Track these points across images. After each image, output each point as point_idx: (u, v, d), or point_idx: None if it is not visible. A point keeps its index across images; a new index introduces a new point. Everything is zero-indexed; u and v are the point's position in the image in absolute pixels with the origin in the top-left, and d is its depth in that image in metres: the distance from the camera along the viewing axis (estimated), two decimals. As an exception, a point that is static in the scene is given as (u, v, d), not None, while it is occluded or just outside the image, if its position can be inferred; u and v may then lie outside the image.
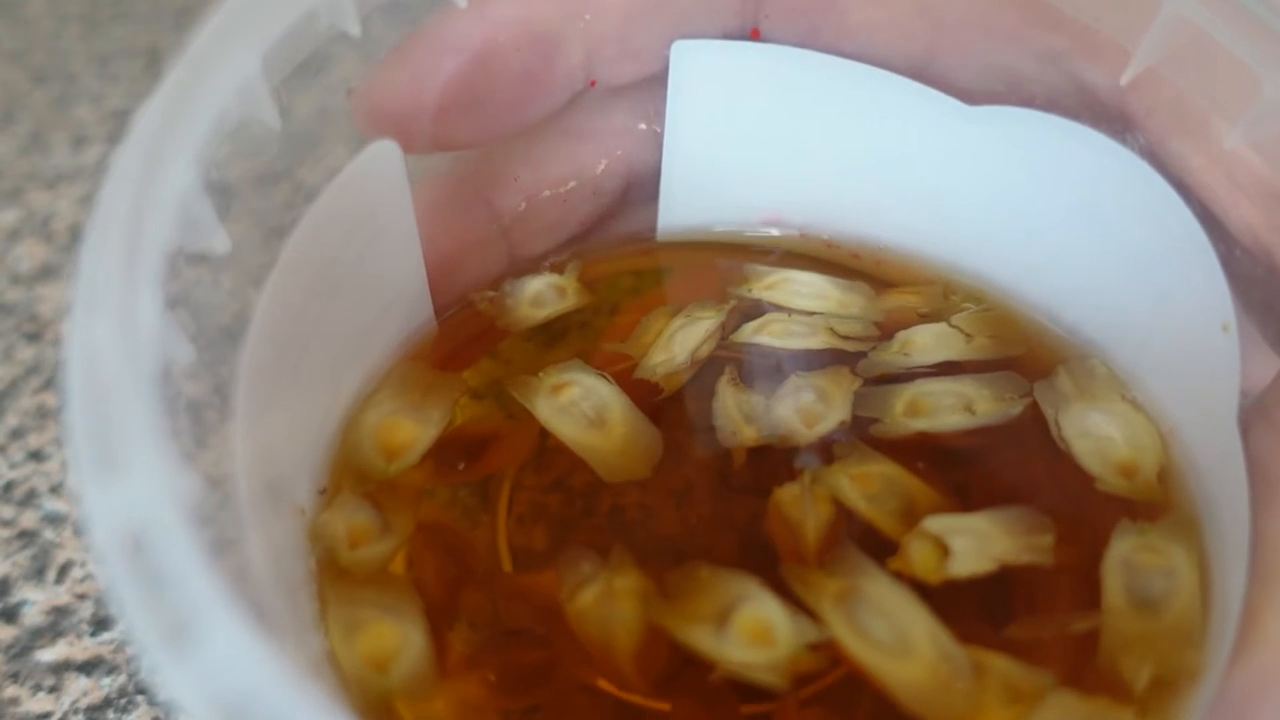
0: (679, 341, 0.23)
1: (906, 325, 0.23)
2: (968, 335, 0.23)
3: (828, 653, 0.18)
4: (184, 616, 0.11)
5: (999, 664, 0.17)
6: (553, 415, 0.21)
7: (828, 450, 0.21)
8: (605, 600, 0.18)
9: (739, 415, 0.21)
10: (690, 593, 0.18)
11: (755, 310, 0.24)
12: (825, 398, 0.22)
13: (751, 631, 0.18)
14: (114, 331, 0.13)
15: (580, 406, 0.21)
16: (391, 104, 0.21)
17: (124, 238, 0.14)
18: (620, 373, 0.22)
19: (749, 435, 0.21)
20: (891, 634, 0.18)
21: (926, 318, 0.23)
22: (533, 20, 0.21)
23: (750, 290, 0.24)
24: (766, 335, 0.23)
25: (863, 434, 0.21)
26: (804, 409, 0.21)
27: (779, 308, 0.24)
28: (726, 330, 0.23)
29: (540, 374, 0.22)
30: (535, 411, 0.21)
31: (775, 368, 0.22)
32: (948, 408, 0.21)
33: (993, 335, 0.23)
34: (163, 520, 0.12)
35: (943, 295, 0.24)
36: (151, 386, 0.13)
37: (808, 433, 0.21)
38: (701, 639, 0.18)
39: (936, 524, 0.19)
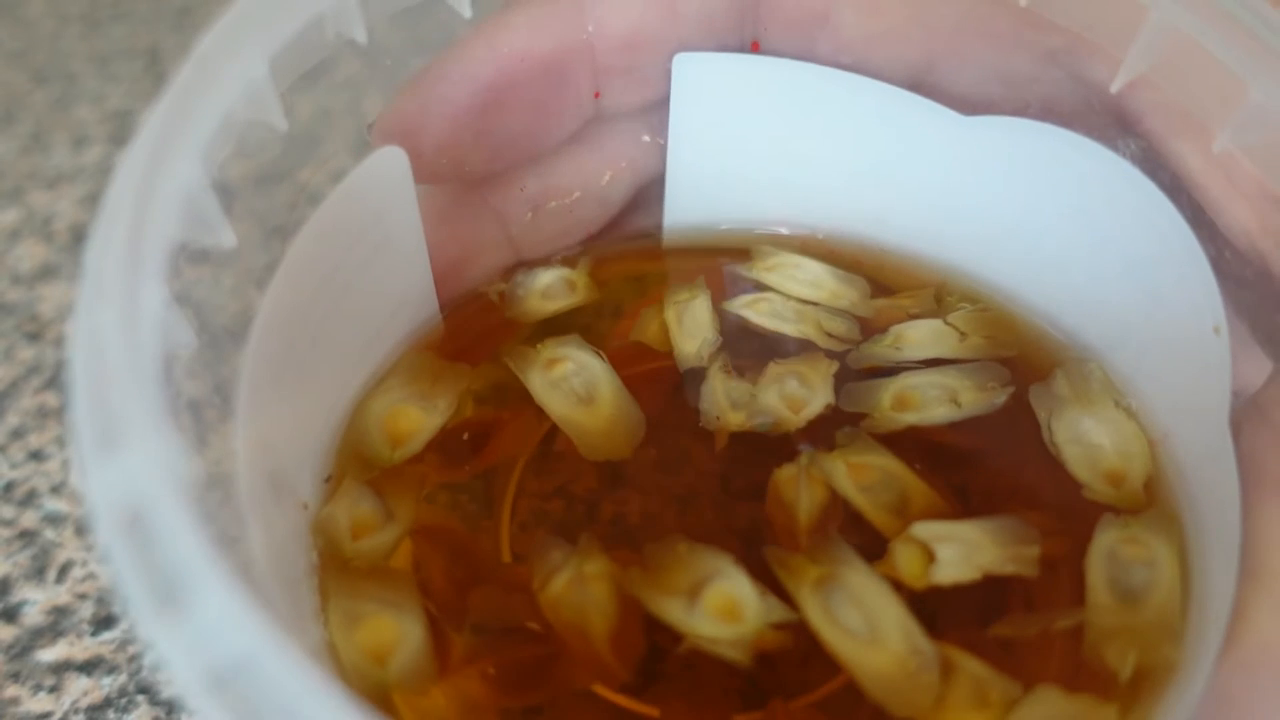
0: (690, 325, 0.23)
1: (900, 321, 0.23)
2: (962, 333, 0.23)
3: (792, 633, 0.18)
4: (177, 587, 0.12)
5: (972, 666, 0.18)
6: (544, 389, 0.22)
7: (831, 438, 0.21)
8: (577, 585, 0.19)
9: (725, 401, 0.22)
10: (666, 566, 0.19)
11: (745, 287, 0.24)
12: (806, 382, 0.22)
13: (720, 607, 0.18)
14: (118, 318, 0.13)
15: (571, 382, 0.22)
16: (407, 132, 0.21)
17: (130, 230, 0.14)
18: (645, 371, 0.23)
19: (733, 421, 0.21)
20: (863, 622, 0.18)
21: (918, 316, 0.23)
22: (542, 51, 0.22)
23: (751, 269, 0.24)
24: (753, 312, 0.24)
25: (832, 422, 0.21)
26: (788, 395, 0.22)
27: (772, 290, 0.24)
28: (716, 300, 0.24)
29: (538, 346, 0.22)
30: (528, 383, 0.22)
31: (767, 354, 0.23)
32: (934, 400, 0.22)
33: (987, 335, 0.23)
34: (160, 495, 0.12)
35: (935, 299, 0.24)
36: (154, 369, 0.13)
37: (795, 418, 0.21)
38: (672, 611, 0.18)
39: (925, 530, 0.19)
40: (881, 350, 0.23)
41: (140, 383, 0.13)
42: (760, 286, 0.24)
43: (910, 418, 0.21)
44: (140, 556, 0.12)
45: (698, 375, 0.22)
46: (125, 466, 0.12)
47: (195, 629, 0.11)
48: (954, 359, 0.22)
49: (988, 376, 0.22)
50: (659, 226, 0.26)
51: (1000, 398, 0.21)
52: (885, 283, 0.25)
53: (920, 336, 0.23)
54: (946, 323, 0.23)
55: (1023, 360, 0.23)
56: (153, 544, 0.12)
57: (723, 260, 0.25)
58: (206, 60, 0.16)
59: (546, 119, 0.23)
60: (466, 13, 0.21)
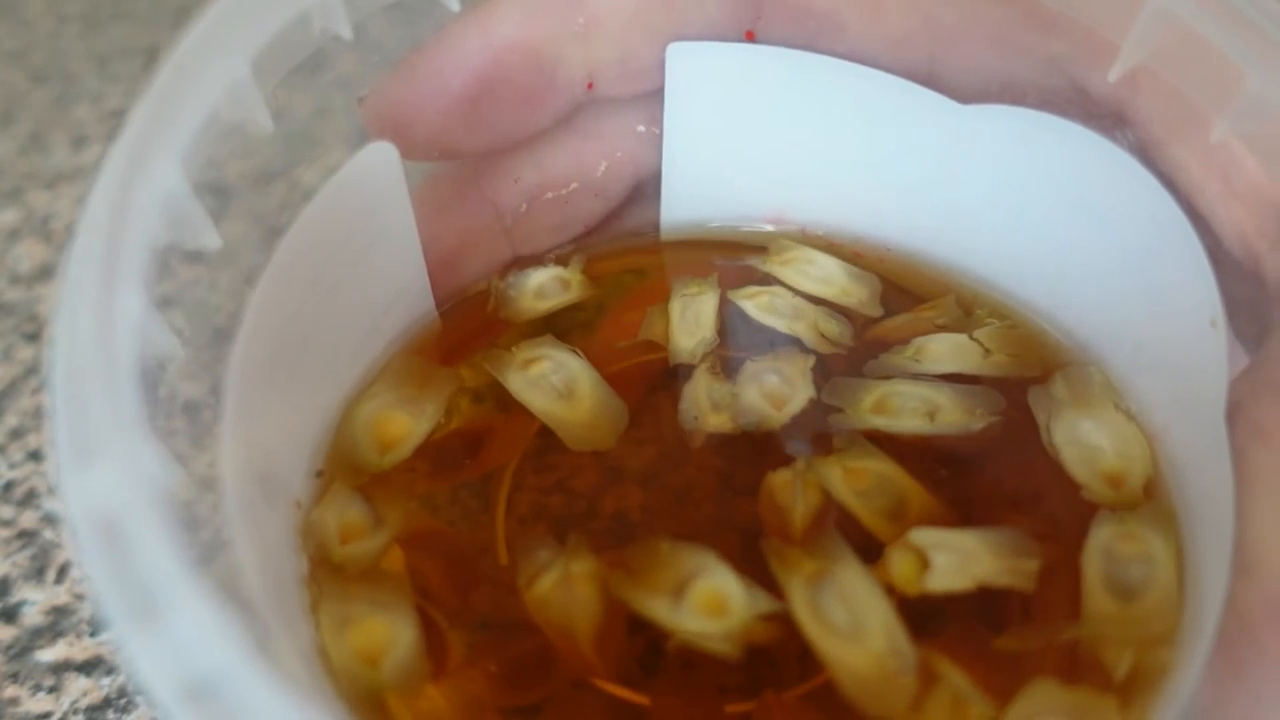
0: (691, 320, 0.23)
1: (922, 333, 0.23)
2: (986, 350, 0.22)
3: (782, 624, 0.18)
4: (151, 601, 0.12)
5: (956, 680, 0.17)
6: (523, 388, 0.22)
7: (827, 440, 0.21)
8: (563, 585, 0.19)
9: (706, 403, 0.22)
10: (650, 566, 0.19)
11: (758, 280, 0.24)
12: (786, 379, 0.22)
13: (706, 602, 0.18)
14: (94, 324, 0.13)
15: (550, 379, 0.22)
16: (398, 118, 0.21)
17: (108, 235, 0.14)
18: (644, 365, 0.23)
19: (713, 422, 0.21)
20: (849, 620, 0.18)
21: (945, 328, 0.23)
22: (534, 41, 0.22)
23: (766, 262, 0.24)
24: (752, 304, 0.23)
25: (824, 422, 0.21)
26: (769, 392, 0.22)
27: (782, 285, 0.24)
28: (723, 291, 0.24)
29: (513, 349, 0.22)
30: (507, 384, 0.22)
31: (764, 350, 0.23)
32: (910, 410, 0.21)
33: (1012, 354, 0.22)
34: (135, 505, 0.12)
35: (958, 307, 0.23)
36: (129, 376, 0.13)
37: (778, 414, 0.21)
38: (658, 610, 0.18)
39: (922, 537, 0.19)
40: (901, 361, 0.22)
41: (116, 390, 0.13)
42: (770, 280, 0.24)
43: (880, 422, 0.21)
44: (115, 569, 0.12)
45: (687, 372, 0.22)
46: (101, 476, 0.12)
47: (169, 643, 0.11)
48: (974, 375, 0.22)
49: (978, 402, 0.21)
50: (656, 223, 0.25)
51: (979, 424, 0.21)
52: (887, 276, 0.24)
53: (942, 350, 0.22)
54: (972, 338, 0.23)
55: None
56: (127, 556, 0.12)
57: (720, 256, 0.25)
58: (186, 61, 0.16)
59: (537, 110, 0.23)
60: (455, 7, 0.21)
